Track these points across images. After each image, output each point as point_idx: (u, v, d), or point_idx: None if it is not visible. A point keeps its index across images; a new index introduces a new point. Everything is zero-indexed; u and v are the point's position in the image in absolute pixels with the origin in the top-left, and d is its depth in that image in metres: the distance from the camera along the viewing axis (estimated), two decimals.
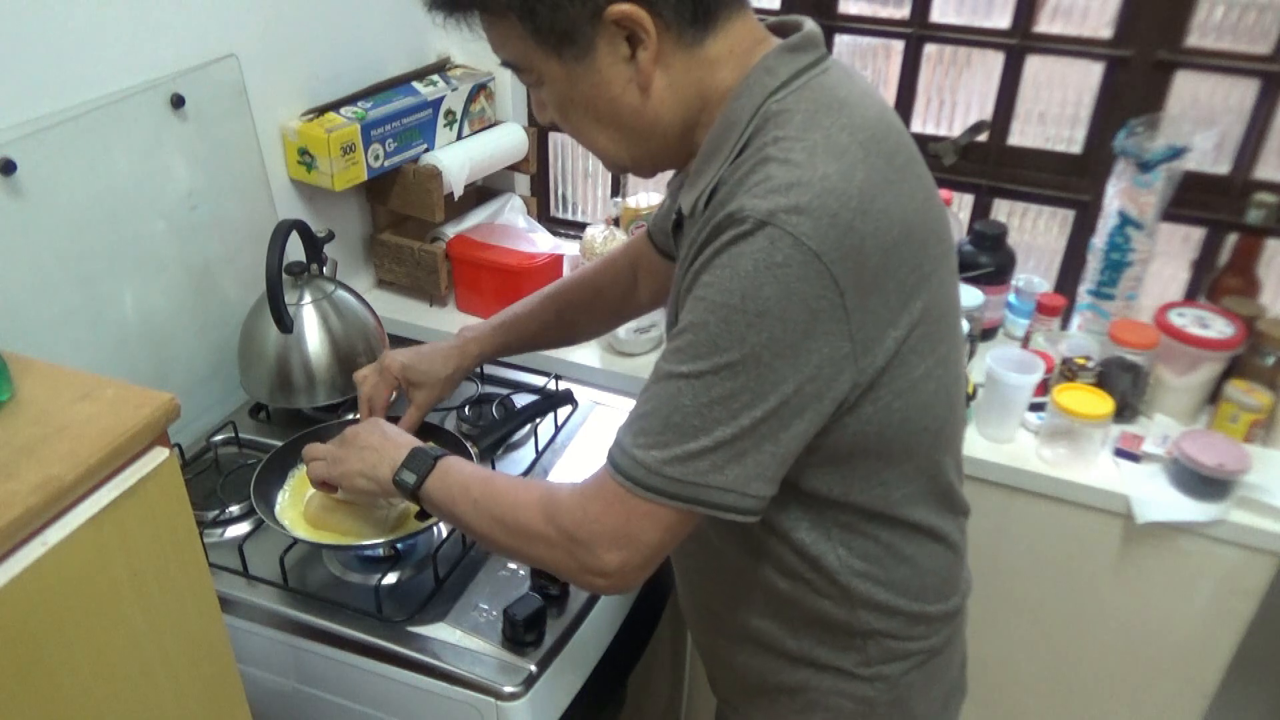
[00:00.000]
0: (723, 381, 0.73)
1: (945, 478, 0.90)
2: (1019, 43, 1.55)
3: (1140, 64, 1.49)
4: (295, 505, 1.16)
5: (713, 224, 0.74)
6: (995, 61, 1.59)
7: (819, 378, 0.74)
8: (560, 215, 2.05)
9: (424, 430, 1.27)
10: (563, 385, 1.49)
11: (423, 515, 1.09)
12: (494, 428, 1.33)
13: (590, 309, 1.26)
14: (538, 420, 1.38)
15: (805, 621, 0.93)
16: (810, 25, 0.83)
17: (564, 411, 1.42)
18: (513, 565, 1.16)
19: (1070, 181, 1.61)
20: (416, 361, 1.22)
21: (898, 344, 0.77)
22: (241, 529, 1.20)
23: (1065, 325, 1.62)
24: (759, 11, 0.89)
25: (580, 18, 0.76)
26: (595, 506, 0.80)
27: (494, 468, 1.32)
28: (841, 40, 1.66)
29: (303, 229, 1.34)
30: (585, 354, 1.61)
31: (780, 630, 0.95)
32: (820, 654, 0.95)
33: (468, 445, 1.22)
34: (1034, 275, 1.65)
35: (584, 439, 1.40)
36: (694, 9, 0.77)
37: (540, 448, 1.37)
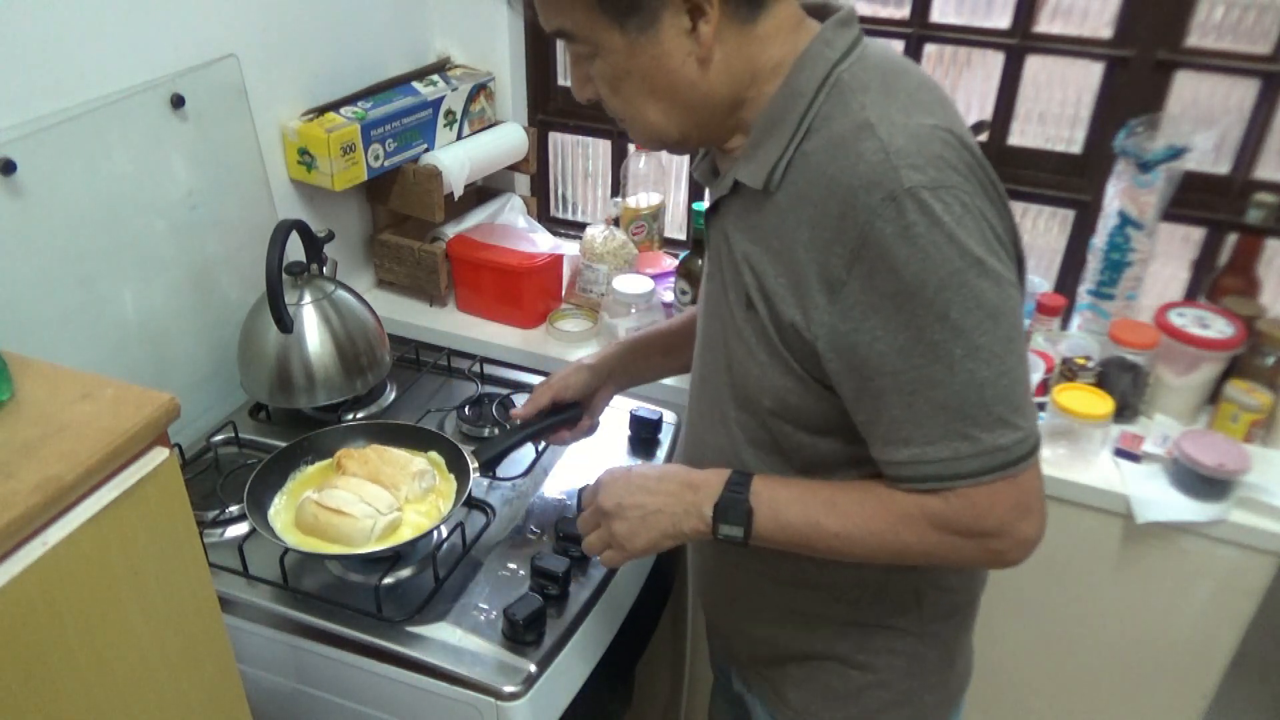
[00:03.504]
0: (989, 334, 0.75)
1: None
2: (1019, 43, 1.55)
3: (1140, 64, 1.49)
4: (290, 509, 1.16)
5: (863, 208, 0.75)
6: (995, 61, 1.59)
7: (1019, 294, 0.81)
8: (560, 215, 2.05)
9: (424, 436, 1.26)
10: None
11: None
12: (496, 442, 1.30)
13: None
14: (541, 439, 1.36)
15: (860, 584, 0.94)
16: (846, 4, 0.86)
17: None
18: (512, 565, 1.16)
19: (1070, 181, 1.61)
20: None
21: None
22: (241, 529, 1.20)
23: (1065, 325, 1.62)
24: None
25: None
26: (982, 499, 0.79)
27: (495, 473, 1.30)
28: None
29: (303, 229, 1.34)
30: (585, 354, 1.60)
31: (829, 598, 0.96)
32: (874, 615, 0.96)
33: (468, 457, 1.21)
34: (1034, 275, 1.65)
35: (583, 439, 1.39)
36: None
37: (540, 448, 1.37)
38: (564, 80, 1.90)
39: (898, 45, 1.63)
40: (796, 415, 0.88)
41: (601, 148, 1.93)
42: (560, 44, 1.85)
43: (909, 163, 0.74)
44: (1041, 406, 1.42)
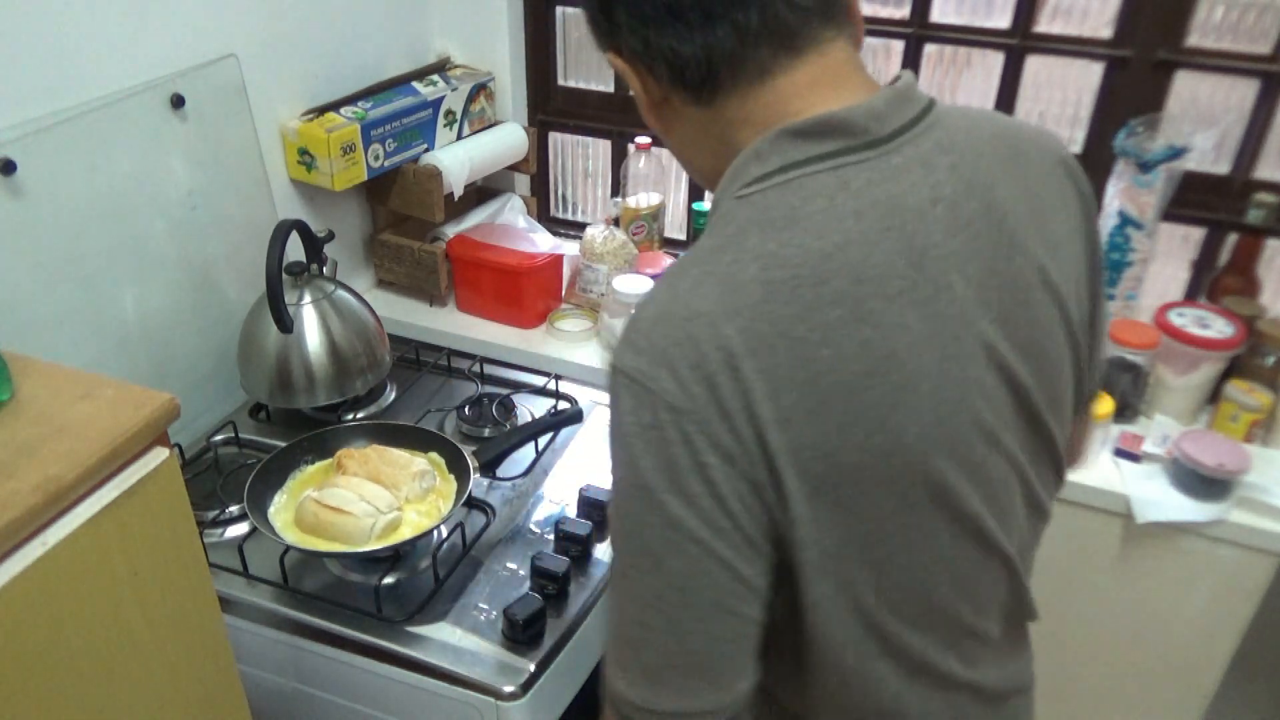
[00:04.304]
0: (648, 575, 0.66)
1: None
2: (1019, 43, 1.55)
3: (1140, 64, 1.49)
4: (290, 508, 1.16)
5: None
6: (995, 61, 1.59)
7: (702, 553, 0.67)
8: (560, 215, 2.05)
9: (424, 437, 1.26)
10: (564, 387, 1.49)
11: None
12: (497, 442, 1.31)
13: None
14: (540, 438, 1.37)
15: None
16: (866, 105, 0.67)
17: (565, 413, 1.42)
18: (512, 565, 1.16)
19: None
20: None
21: (800, 515, 0.68)
22: (241, 529, 1.20)
23: None
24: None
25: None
26: None
27: (495, 473, 1.31)
28: None
29: (303, 229, 1.34)
30: (585, 354, 1.61)
31: None
32: None
33: (467, 456, 1.21)
34: None
35: (584, 439, 1.40)
36: (693, 77, 0.69)
37: (540, 448, 1.37)
38: (564, 80, 1.90)
39: (898, 45, 1.63)
40: None
41: (601, 148, 1.93)
42: (560, 43, 1.86)
43: (630, 340, 0.64)
44: None
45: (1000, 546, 0.73)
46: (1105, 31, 1.51)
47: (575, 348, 1.62)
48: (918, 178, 0.66)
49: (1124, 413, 1.44)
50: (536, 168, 1.85)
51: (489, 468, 1.29)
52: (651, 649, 0.66)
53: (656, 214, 1.76)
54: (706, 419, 0.61)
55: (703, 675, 0.66)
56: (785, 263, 0.63)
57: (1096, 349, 0.81)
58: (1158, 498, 1.33)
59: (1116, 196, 1.48)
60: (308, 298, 1.35)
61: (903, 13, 1.61)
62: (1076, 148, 1.60)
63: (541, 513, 1.25)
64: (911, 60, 1.62)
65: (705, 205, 1.46)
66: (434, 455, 1.25)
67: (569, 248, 1.76)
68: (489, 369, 1.54)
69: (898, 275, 0.64)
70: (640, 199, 1.75)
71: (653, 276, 1.59)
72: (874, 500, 0.66)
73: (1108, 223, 1.50)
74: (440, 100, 1.64)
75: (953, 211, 0.67)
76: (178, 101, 1.28)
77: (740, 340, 0.61)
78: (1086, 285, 0.77)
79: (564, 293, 1.74)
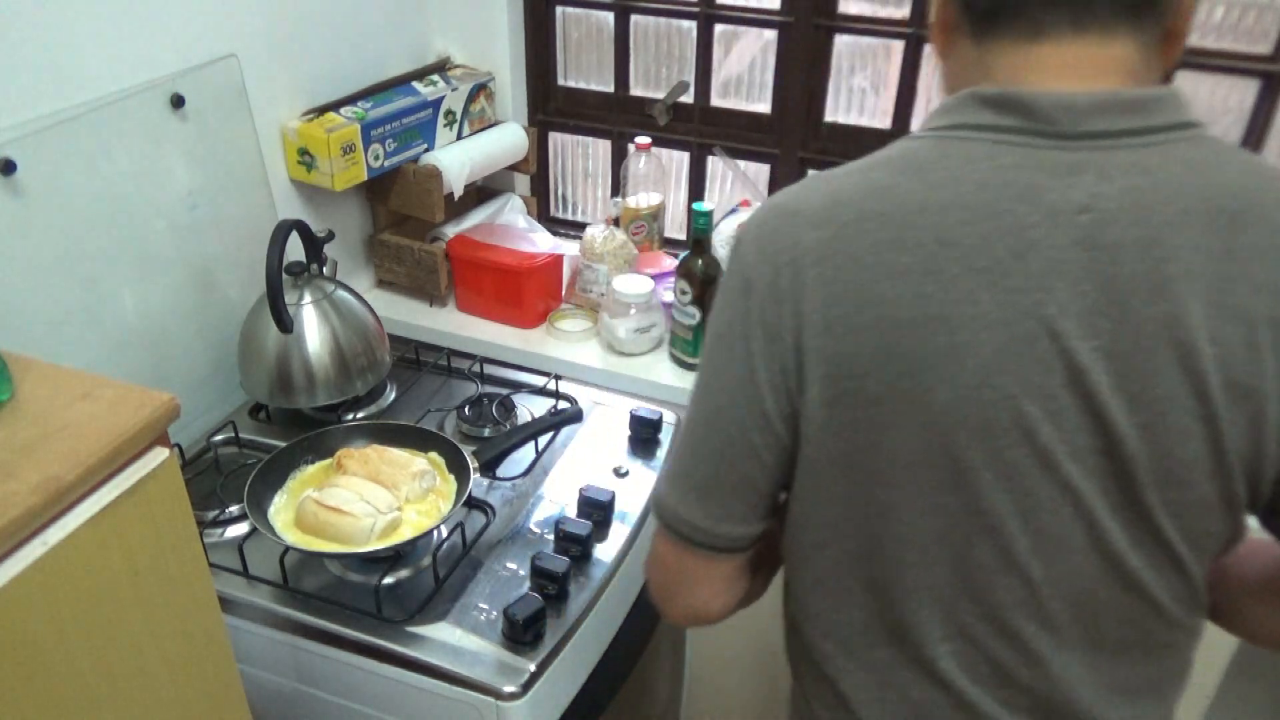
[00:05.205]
0: (689, 408, 0.81)
1: None
2: None
3: None
4: (290, 508, 1.16)
5: None
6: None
7: (738, 406, 0.79)
8: (560, 215, 2.05)
9: (424, 437, 1.27)
10: (564, 387, 1.49)
11: None
12: (497, 442, 1.31)
13: None
14: (540, 438, 1.37)
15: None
16: (1067, 97, 0.67)
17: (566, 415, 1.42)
18: (512, 565, 1.16)
19: None
20: None
21: (815, 406, 0.78)
22: (241, 529, 1.20)
23: None
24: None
25: None
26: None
27: (495, 473, 1.31)
28: (841, 40, 1.66)
29: (303, 229, 1.34)
30: (585, 354, 1.61)
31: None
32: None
33: (467, 456, 1.21)
34: None
35: (583, 439, 1.40)
36: (978, 6, 0.71)
37: (540, 448, 1.37)
38: (564, 80, 1.90)
39: (897, 45, 1.63)
40: None
41: (601, 148, 1.93)
42: (560, 43, 1.86)
43: (754, 215, 0.76)
44: None
45: (1025, 568, 0.72)
46: None
47: (575, 348, 1.62)
48: (1081, 182, 0.66)
49: None
50: (536, 168, 1.85)
51: (489, 468, 1.29)
52: (682, 461, 0.79)
53: (656, 214, 1.76)
54: (764, 300, 0.72)
55: (690, 490, 0.79)
56: (887, 199, 0.69)
57: None
58: None
59: None
60: (308, 298, 1.35)
61: (903, 13, 1.61)
62: None
63: (541, 513, 1.25)
64: (911, 60, 1.62)
65: (705, 205, 1.46)
66: (434, 455, 1.25)
67: (569, 248, 1.76)
68: (489, 369, 1.54)
69: (990, 255, 0.66)
70: (640, 199, 1.75)
71: (655, 276, 1.59)
72: (888, 439, 0.71)
73: None
74: (440, 100, 1.64)
75: (1099, 226, 0.65)
76: (178, 101, 1.28)
77: (815, 247, 0.70)
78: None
79: (564, 293, 1.74)
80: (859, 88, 1.70)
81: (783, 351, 0.72)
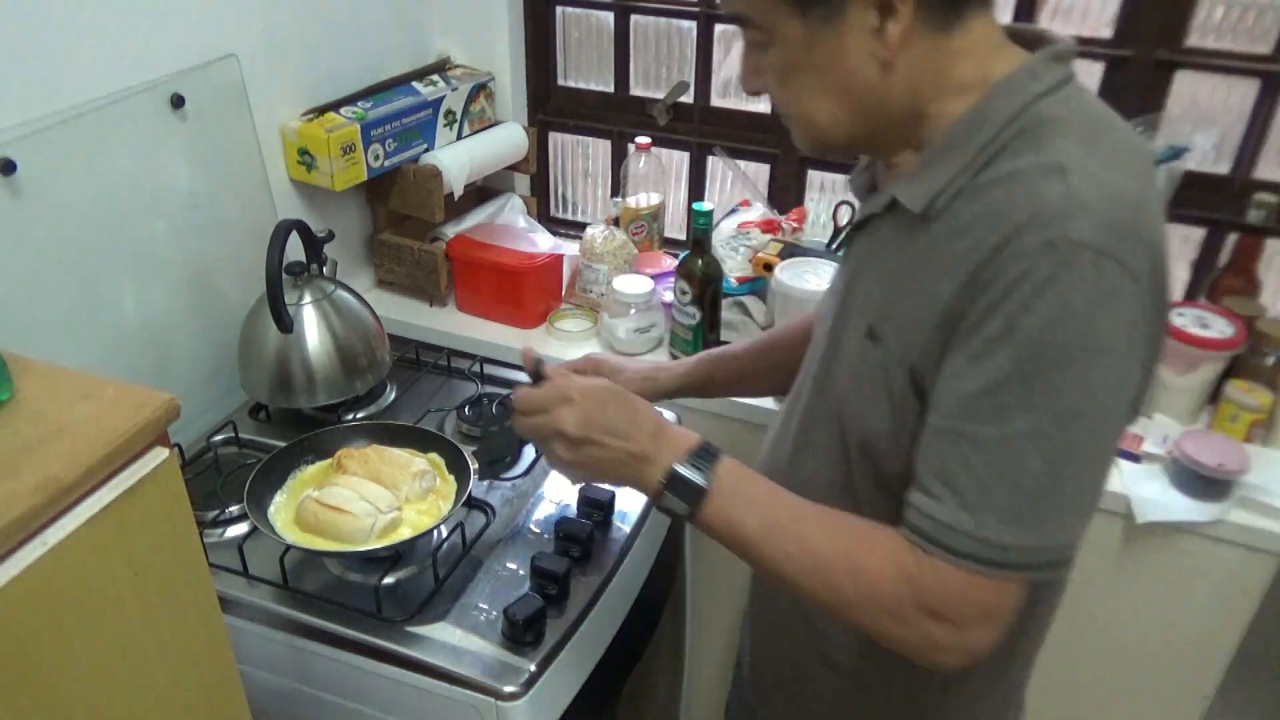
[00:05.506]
0: (1066, 432, 0.68)
1: None
2: None
3: (1140, 64, 1.49)
4: (290, 508, 1.16)
5: (1014, 248, 0.68)
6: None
7: (1126, 410, 0.73)
8: (560, 215, 2.05)
9: (424, 437, 1.26)
10: None
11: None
12: (499, 450, 1.29)
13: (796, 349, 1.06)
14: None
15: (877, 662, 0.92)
16: (1066, 37, 0.77)
17: None
18: (512, 565, 1.16)
19: None
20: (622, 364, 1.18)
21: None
22: (241, 529, 1.20)
23: None
24: None
25: None
26: (956, 583, 0.72)
27: (494, 477, 1.31)
28: None
29: (303, 229, 1.34)
30: (585, 352, 1.60)
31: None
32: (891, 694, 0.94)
33: (468, 457, 1.21)
34: None
35: None
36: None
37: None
38: (564, 80, 1.90)
39: None
40: (878, 462, 0.83)
41: (601, 148, 1.93)
42: (560, 43, 1.86)
43: (1090, 219, 0.67)
44: None
45: None
46: (1105, 31, 1.51)
47: (575, 348, 1.62)
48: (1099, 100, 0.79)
49: None
50: (536, 168, 1.85)
51: (488, 472, 1.29)
52: (1065, 496, 0.71)
53: (656, 214, 1.76)
54: (1145, 289, 0.68)
55: (1083, 518, 0.73)
56: (1139, 159, 0.74)
57: None
58: (1158, 498, 1.33)
59: None
60: (308, 298, 1.35)
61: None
62: None
63: (541, 513, 1.25)
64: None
65: (705, 205, 1.46)
66: (434, 455, 1.25)
67: (569, 248, 1.76)
68: (489, 369, 1.54)
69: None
70: (640, 199, 1.75)
71: (655, 276, 1.59)
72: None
73: None
74: (440, 100, 1.64)
75: None
76: (178, 101, 1.28)
77: (1156, 214, 0.72)
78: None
79: (564, 293, 1.74)
80: None
81: (1146, 352, 0.72)
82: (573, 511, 1.24)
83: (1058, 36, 0.78)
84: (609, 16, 1.79)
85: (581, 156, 1.98)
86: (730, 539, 0.82)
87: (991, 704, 0.97)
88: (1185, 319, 1.43)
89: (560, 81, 1.90)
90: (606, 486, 1.24)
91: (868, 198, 0.87)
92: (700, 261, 1.48)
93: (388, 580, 1.12)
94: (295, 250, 1.37)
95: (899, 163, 0.82)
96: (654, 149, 1.74)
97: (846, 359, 0.85)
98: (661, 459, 0.84)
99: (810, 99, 0.78)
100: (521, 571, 1.14)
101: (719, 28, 1.73)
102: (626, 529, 1.23)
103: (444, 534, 1.18)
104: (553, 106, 1.92)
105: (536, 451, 1.35)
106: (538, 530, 1.22)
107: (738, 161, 1.76)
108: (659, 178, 1.76)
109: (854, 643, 0.92)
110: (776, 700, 1.07)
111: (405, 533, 1.13)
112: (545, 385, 0.91)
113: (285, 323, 1.30)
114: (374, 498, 1.13)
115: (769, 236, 1.65)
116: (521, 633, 1.04)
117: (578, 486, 1.25)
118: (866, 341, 0.81)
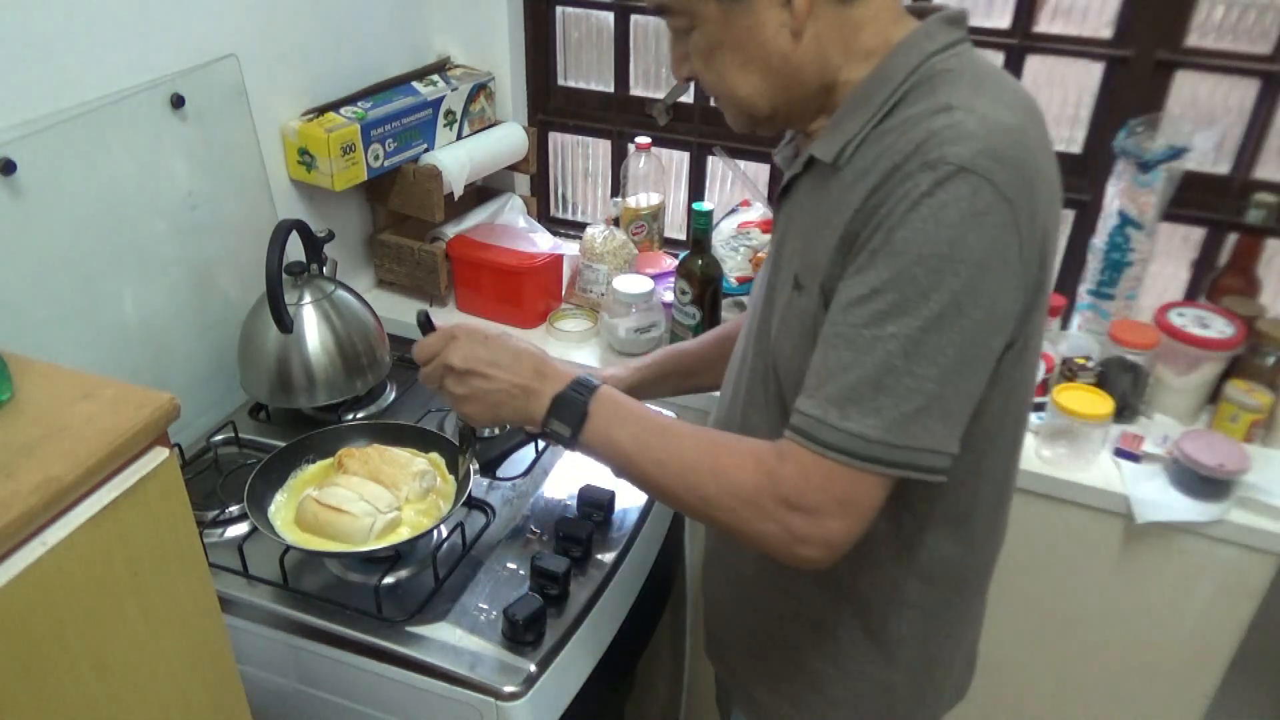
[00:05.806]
0: (931, 335, 0.73)
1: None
2: (1019, 42, 1.55)
3: (1140, 64, 1.49)
4: (290, 507, 1.16)
5: (900, 172, 0.74)
6: (995, 61, 1.59)
7: (1002, 330, 0.77)
8: (560, 215, 2.05)
9: (424, 437, 1.26)
10: None
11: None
12: (497, 443, 1.30)
13: None
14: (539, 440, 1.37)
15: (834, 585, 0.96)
16: (958, 6, 0.85)
17: None
18: (512, 565, 1.16)
19: (1070, 181, 1.60)
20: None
21: (1029, 310, 0.79)
22: (241, 529, 1.20)
23: (1065, 325, 1.62)
24: None
25: None
26: (816, 475, 0.77)
27: (495, 474, 1.31)
28: None
29: (303, 229, 1.34)
30: (585, 354, 1.61)
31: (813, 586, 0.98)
32: (847, 619, 0.97)
33: (470, 461, 1.21)
34: None
35: None
36: None
37: (540, 448, 1.37)
38: (564, 80, 1.90)
39: None
40: None
41: (601, 148, 1.93)
42: (560, 43, 1.86)
43: (969, 144, 0.72)
44: (1041, 407, 1.42)
45: None
46: (1105, 31, 1.51)
47: (575, 348, 1.62)
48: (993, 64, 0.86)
49: (1124, 413, 1.44)
50: (536, 168, 1.85)
51: (489, 468, 1.29)
52: (924, 396, 0.74)
53: (656, 214, 1.76)
54: (1020, 213, 0.73)
55: (949, 425, 0.77)
56: (1023, 104, 0.80)
57: None
58: (1158, 498, 1.33)
59: (1117, 196, 1.48)
60: (308, 298, 1.35)
61: None
62: (1076, 147, 1.60)
63: (541, 513, 1.25)
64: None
65: (705, 205, 1.46)
66: (434, 455, 1.25)
67: (569, 248, 1.76)
68: None
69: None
70: (640, 199, 1.75)
71: (655, 276, 1.59)
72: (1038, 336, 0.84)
73: (1108, 223, 1.50)
74: (440, 100, 1.64)
75: None
76: (178, 101, 1.28)
77: (1037, 152, 0.77)
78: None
79: (564, 293, 1.74)
80: None
81: (1024, 269, 0.76)
82: (573, 511, 1.24)
83: (949, 5, 0.86)
84: (609, 16, 1.79)
85: (581, 156, 1.98)
86: (609, 456, 0.88)
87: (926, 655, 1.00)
88: (1185, 319, 1.43)
89: (560, 81, 1.90)
90: (606, 486, 1.24)
91: (791, 165, 0.93)
92: (700, 261, 1.48)
93: (388, 580, 1.12)
94: (295, 250, 1.37)
95: (815, 128, 0.88)
96: (654, 149, 1.74)
97: (778, 312, 0.89)
98: (546, 389, 0.90)
99: (733, 74, 0.85)
100: (521, 571, 1.14)
101: None
102: (626, 529, 1.23)
103: (444, 534, 1.18)
104: (553, 106, 1.92)
105: (537, 450, 1.35)
106: (538, 530, 1.22)
107: (738, 161, 1.76)
108: (659, 178, 1.76)
109: (816, 592, 0.97)
110: (733, 658, 1.13)
111: (405, 533, 1.13)
112: (433, 333, 0.99)
113: (285, 323, 1.30)
114: (374, 498, 1.13)
115: (769, 236, 1.65)
116: (521, 633, 1.04)
117: (578, 486, 1.25)
118: (794, 292, 0.86)
